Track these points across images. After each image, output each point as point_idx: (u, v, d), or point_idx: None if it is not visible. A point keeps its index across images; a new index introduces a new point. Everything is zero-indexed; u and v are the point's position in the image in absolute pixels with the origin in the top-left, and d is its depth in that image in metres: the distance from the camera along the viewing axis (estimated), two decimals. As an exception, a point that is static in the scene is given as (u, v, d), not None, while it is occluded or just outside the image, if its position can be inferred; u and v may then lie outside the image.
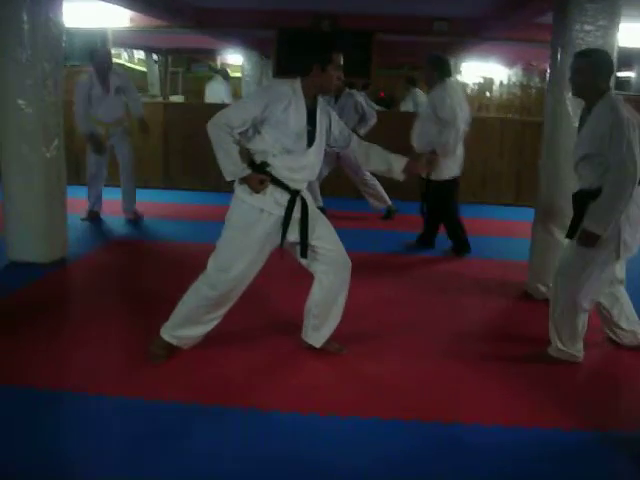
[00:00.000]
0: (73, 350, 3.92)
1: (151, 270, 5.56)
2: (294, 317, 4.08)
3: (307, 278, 3.84)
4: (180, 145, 9.35)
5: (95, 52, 7.07)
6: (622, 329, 4.13)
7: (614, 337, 4.20)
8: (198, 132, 9.09)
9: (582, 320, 3.85)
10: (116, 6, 7.80)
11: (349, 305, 3.92)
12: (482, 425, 3.20)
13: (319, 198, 7.31)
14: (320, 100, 3.64)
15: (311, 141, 3.54)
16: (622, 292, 4.09)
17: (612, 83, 3.88)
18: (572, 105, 4.79)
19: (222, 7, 8.63)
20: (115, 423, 3.15)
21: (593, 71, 3.63)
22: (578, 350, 3.91)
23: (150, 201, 8.42)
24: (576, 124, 4.71)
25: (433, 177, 5.95)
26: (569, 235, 3.83)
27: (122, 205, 7.27)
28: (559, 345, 3.90)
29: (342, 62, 3.54)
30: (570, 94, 4.76)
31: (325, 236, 3.73)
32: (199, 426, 3.11)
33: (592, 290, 3.78)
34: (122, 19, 8.88)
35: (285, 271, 4.10)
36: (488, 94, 17.57)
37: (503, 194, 9.00)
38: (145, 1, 7.34)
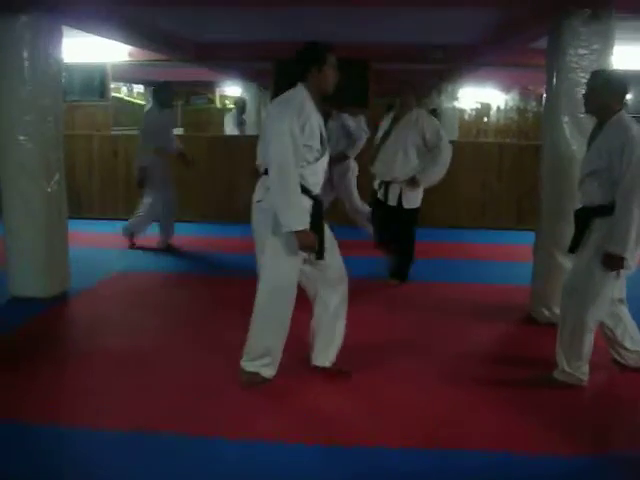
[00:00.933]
0: (73, 386, 3.90)
1: (152, 303, 5.54)
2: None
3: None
4: (180, 177, 9.36)
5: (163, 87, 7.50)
6: (626, 349, 4.11)
7: (619, 358, 4.17)
8: (199, 164, 9.30)
9: (589, 340, 3.83)
10: (115, 41, 7.87)
11: (349, 330, 3.92)
12: (485, 451, 3.18)
13: None
14: None
15: (324, 142, 3.64)
16: (625, 312, 4.08)
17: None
18: (569, 128, 4.81)
19: (220, 41, 8.72)
20: (116, 458, 3.13)
21: (607, 91, 3.69)
22: (584, 373, 3.89)
23: (151, 234, 8.44)
24: (574, 147, 4.76)
25: (407, 205, 5.81)
26: (571, 250, 3.88)
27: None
28: (566, 367, 3.87)
29: (336, 62, 3.70)
30: (566, 118, 4.83)
31: (329, 249, 3.76)
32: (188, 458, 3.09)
33: (600, 309, 3.79)
34: (121, 54, 8.97)
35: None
36: (485, 119, 17.67)
37: (503, 218, 9.00)
38: (144, 36, 7.41)
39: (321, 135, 3.61)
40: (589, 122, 4.76)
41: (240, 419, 3.47)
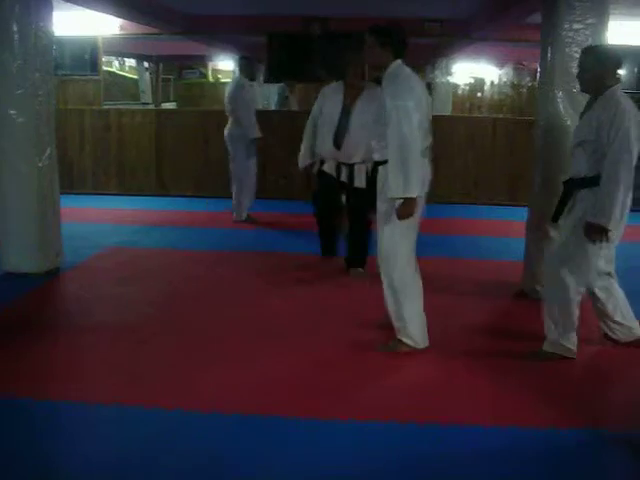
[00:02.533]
0: (65, 361, 3.90)
1: (144, 277, 5.53)
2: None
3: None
4: (173, 152, 9.34)
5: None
6: (617, 323, 4.13)
7: (609, 332, 4.19)
8: (191, 138, 9.26)
9: (575, 309, 3.86)
10: (106, 14, 7.79)
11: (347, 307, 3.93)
12: (478, 426, 3.20)
13: None
14: None
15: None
16: (615, 287, 4.10)
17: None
18: (563, 103, 4.80)
19: (211, 13, 8.64)
20: (114, 431, 3.15)
21: (599, 66, 3.68)
22: (573, 343, 3.91)
23: (144, 208, 8.43)
24: (568, 122, 4.76)
25: (359, 184, 5.32)
26: (554, 219, 3.96)
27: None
28: (554, 338, 3.90)
29: None
30: (560, 93, 4.81)
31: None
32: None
33: (583, 278, 3.81)
34: (112, 27, 8.88)
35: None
36: (479, 94, 17.60)
37: (497, 194, 9.00)
38: (134, 8, 7.34)
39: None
40: (583, 97, 4.73)
41: (220, 394, 3.50)
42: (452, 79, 15.23)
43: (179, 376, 3.67)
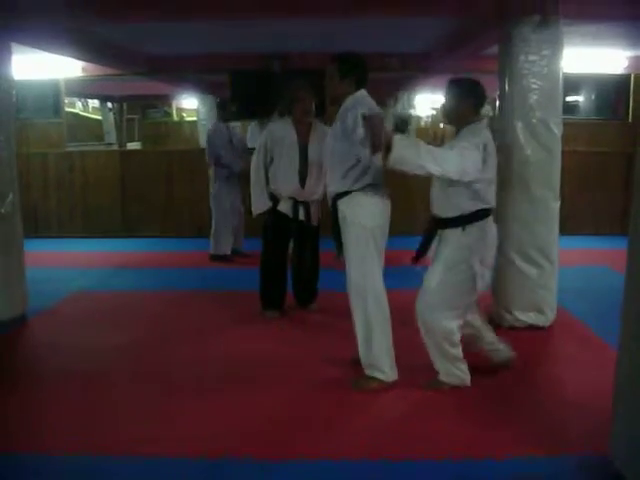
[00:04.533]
0: (28, 410, 3.81)
1: (112, 322, 5.46)
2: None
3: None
4: (138, 192, 9.30)
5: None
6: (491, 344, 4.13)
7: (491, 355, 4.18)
8: (155, 178, 9.22)
9: (456, 341, 3.86)
10: (66, 57, 7.77)
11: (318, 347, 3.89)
12: (437, 459, 3.19)
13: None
14: None
15: None
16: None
17: (486, 111, 3.99)
18: (523, 133, 4.87)
19: (173, 53, 8.66)
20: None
21: (462, 101, 3.77)
22: (464, 372, 3.93)
23: (110, 250, 8.35)
24: (527, 151, 4.85)
25: (316, 222, 5.40)
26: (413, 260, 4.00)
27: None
28: (445, 370, 3.91)
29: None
30: (519, 123, 4.90)
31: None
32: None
33: (454, 311, 3.79)
34: (74, 69, 8.84)
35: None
36: (442, 125, 17.84)
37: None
38: (95, 51, 7.33)
39: None
40: (542, 127, 4.86)
41: (187, 438, 3.44)
42: (414, 111, 15.44)
43: (148, 422, 3.61)
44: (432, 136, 17.45)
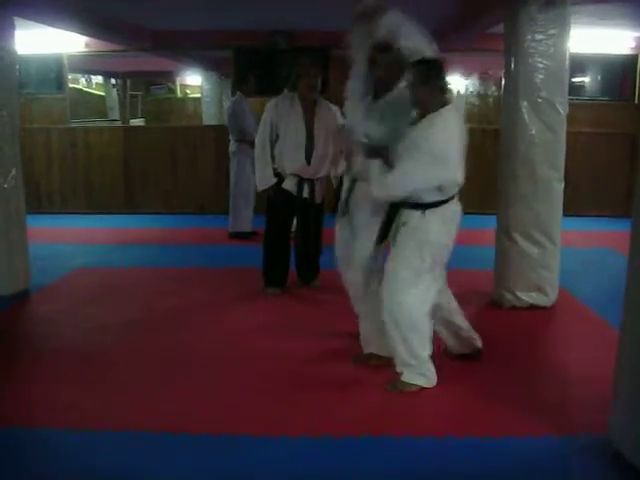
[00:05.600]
0: (27, 385, 3.82)
1: (114, 297, 5.48)
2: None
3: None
4: (141, 168, 9.29)
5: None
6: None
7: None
8: (159, 155, 9.20)
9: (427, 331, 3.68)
10: (69, 32, 7.72)
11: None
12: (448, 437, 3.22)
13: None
14: None
15: None
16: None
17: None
18: (528, 112, 4.85)
19: (177, 29, 8.62)
20: (85, 456, 3.09)
21: (418, 86, 3.52)
22: (432, 371, 3.72)
23: (112, 227, 8.36)
24: (532, 131, 4.83)
25: (319, 200, 5.38)
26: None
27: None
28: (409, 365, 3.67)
29: None
30: (525, 102, 4.87)
31: None
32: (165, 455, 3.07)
33: (422, 298, 3.61)
34: (77, 44, 8.80)
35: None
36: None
37: (466, 202, 9.02)
38: (99, 25, 7.29)
39: None
40: (547, 106, 4.83)
41: (191, 413, 3.47)
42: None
43: (150, 399, 3.62)
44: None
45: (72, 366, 4.09)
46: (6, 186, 5.29)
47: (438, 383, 3.73)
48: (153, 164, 9.23)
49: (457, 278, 5.86)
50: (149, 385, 3.80)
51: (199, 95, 15.35)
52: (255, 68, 8.66)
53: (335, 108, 5.15)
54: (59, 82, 9.48)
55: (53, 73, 9.42)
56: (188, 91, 18.15)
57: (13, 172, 5.35)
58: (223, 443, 3.15)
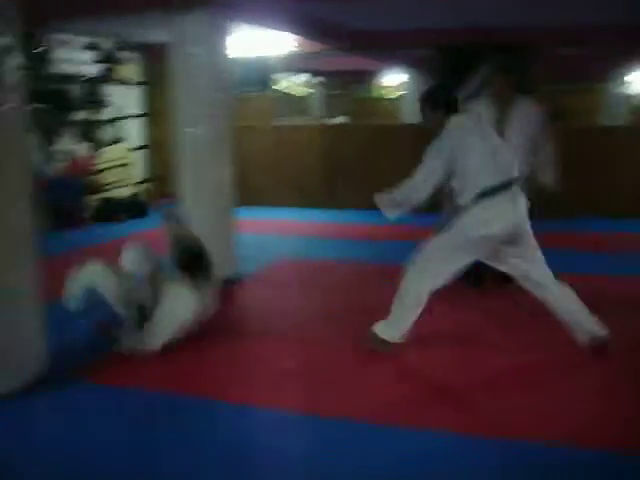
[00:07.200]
0: (242, 366, 4.04)
1: (312, 289, 5.64)
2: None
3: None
4: (342, 165, 9.54)
5: None
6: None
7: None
8: (359, 152, 9.27)
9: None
10: (275, 32, 7.98)
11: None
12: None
13: None
14: None
15: None
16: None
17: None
18: None
19: (377, 28, 8.66)
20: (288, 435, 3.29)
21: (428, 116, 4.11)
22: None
23: (316, 221, 8.76)
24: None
25: None
26: None
27: None
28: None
29: None
30: None
31: None
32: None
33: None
34: (283, 46, 9.12)
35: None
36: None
37: None
38: (302, 25, 7.48)
39: None
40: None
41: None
42: (627, 89, 14.23)
43: (349, 385, 3.75)
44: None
45: (278, 350, 4.29)
46: (222, 180, 5.66)
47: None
48: (353, 160, 9.41)
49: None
50: (349, 375, 3.91)
51: (394, 95, 15.38)
52: (459, 66, 8.57)
53: None
54: (265, 82, 9.93)
55: (259, 73, 9.88)
56: (383, 92, 18.25)
57: (227, 166, 5.71)
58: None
